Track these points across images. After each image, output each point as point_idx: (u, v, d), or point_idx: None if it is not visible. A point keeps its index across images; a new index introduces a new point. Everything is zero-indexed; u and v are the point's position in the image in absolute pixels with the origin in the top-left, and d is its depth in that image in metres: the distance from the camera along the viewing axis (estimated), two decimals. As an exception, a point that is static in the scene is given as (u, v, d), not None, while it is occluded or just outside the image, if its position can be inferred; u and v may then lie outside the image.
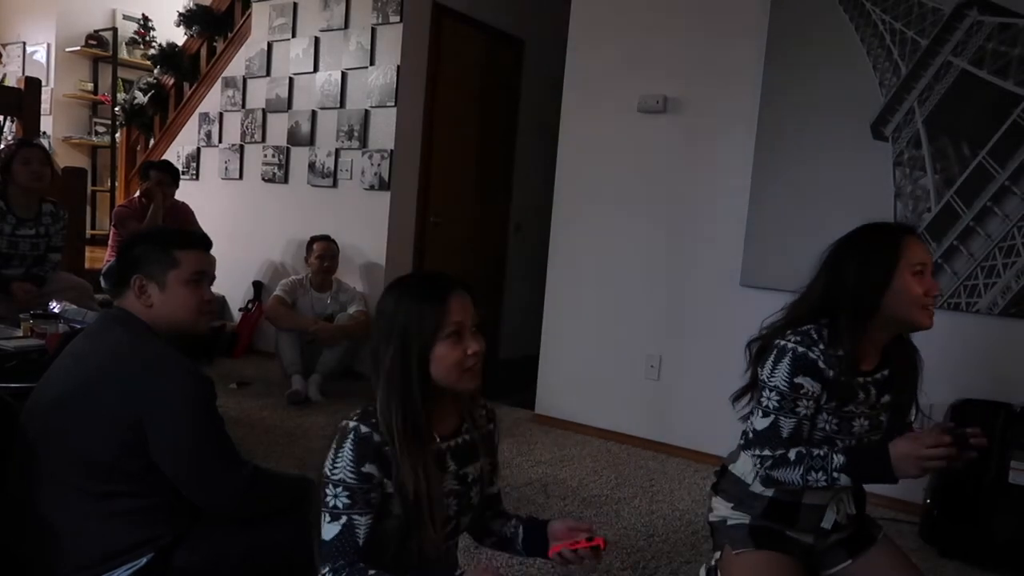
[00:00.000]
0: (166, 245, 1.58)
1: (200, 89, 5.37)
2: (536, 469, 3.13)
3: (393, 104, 4.34)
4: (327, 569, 1.21)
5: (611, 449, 3.49)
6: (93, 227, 6.30)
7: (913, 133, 2.94)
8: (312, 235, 4.28)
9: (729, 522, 1.66)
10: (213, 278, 1.68)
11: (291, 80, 4.79)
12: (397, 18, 4.32)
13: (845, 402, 1.56)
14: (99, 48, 6.68)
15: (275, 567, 1.56)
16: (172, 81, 5.59)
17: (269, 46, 4.90)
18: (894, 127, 2.98)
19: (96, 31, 6.70)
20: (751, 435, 1.59)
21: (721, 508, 1.69)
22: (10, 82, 6.09)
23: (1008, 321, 2.81)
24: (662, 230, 3.53)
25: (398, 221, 4.47)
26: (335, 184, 4.61)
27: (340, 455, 1.22)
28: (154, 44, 6.56)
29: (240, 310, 4.91)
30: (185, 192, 4.71)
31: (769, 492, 1.60)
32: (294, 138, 4.78)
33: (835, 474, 1.48)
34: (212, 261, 1.69)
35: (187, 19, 5.45)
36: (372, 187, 4.43)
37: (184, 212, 4.55)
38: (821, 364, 1.52)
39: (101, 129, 6.83)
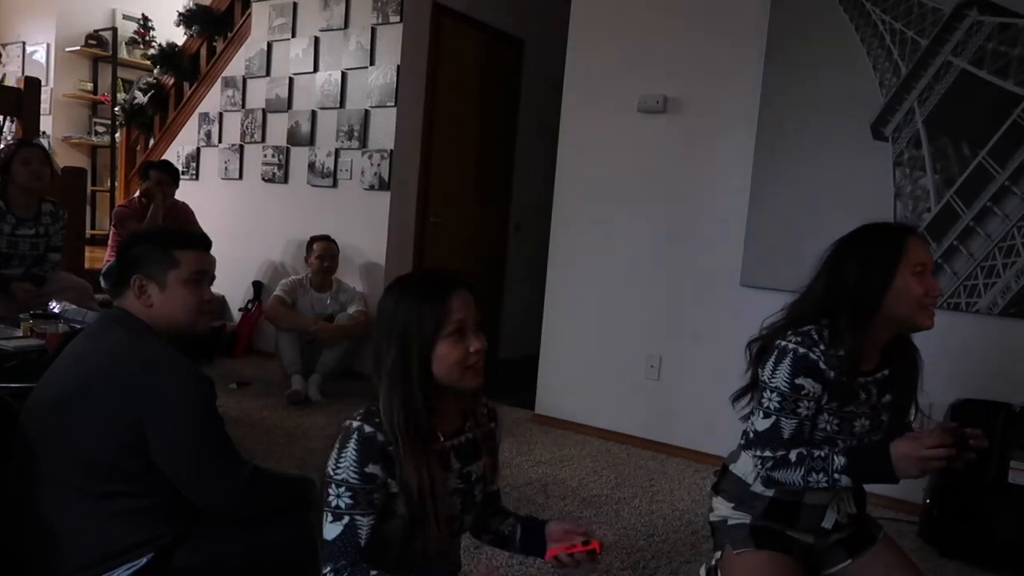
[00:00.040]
0: (166, 245, 1.58)
1: (200, 89, 5.37)
2: (536, 469, 3.13)
3: (393, 104, 4.34)
4: (328, 569, 1.21)
5: (611, 449, 3.49)
6: (93, 227, 6.30)
7: (913, 133, 2.94)
8: (312, 235, 4.28)
9: (730, 522, 1.66)
10: (213, 278, 1.68)
11: (291, 80, 4.79)
12: (397, 18, 4.32)
13: (846, 402, 1.56)
14: (99, 48, 6.68)
15: (275, 567, 1.56)
16: (172, 81, 5.59)
17: (269, 46, 4.90)
18: (894, 127, 2.98)
19: (96, 31, 6.70)
20: (752, 436, 1.58)
21: (722, 508, 1.69)
22: (10, 82, 6.09)
23: (1008, 321, 2.81)
24: (662, 230, 3.53)
25: (398, 221, 4.47)
26: (335, 184, 4.60)
27: (343, 455, 1.22)
28: (154, 44, 6.56)
29: (240, 310, 4.91)
30: (185, 192, 4.71)
31: (770, 492, 1.60)
32: (294, 138, 4.78)
33: (836, 475, 1.48)
34: (212, 261, 1.69)
35: (187, 19, 5.45)
36: (372, 187, 4.43)
37: (184, 212, 4.55)
38: (822, 365, 1.52)
39: (101, 129, 6.83)
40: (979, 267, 2.83)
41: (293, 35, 4.77)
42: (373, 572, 1.20)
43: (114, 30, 6.70)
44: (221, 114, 5.17)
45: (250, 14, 5.01)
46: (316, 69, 4.67)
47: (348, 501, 1.21)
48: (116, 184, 6.02)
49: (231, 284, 4.90)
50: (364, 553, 1.22)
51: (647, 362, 3.57)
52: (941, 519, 2.58)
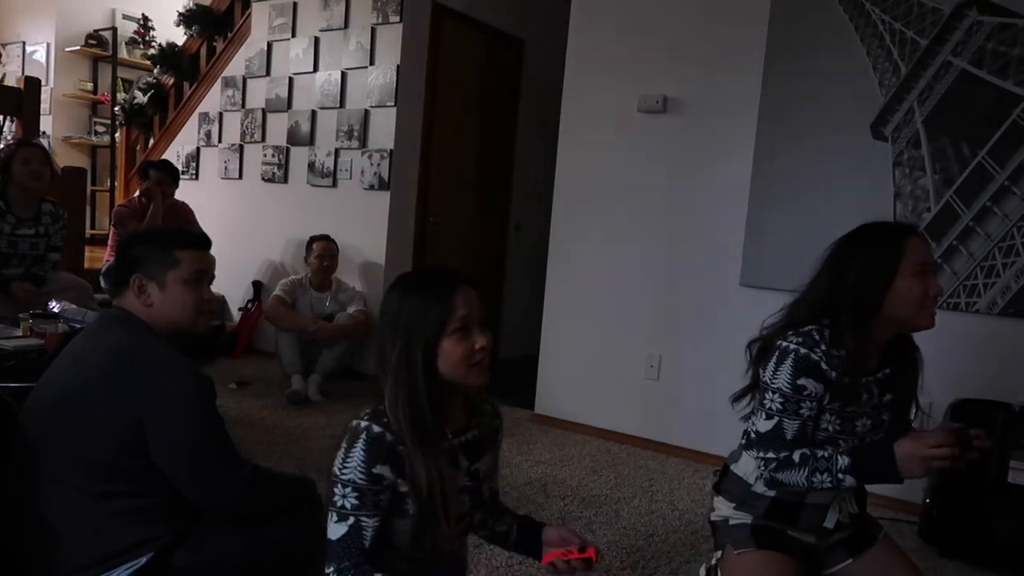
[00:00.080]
0: (166, 244, 1.58)
1: (200, 89, 5.37)
2: (536, 469, 3.13)
3: (393, 104, 4.34)
4: (332, 569, 1.21)
5: (611, 449, 3.49)
6: (93, 227, 6.30)
7: (913, 133, 2.94)
8: (312, 235, 4.28)
9: (731, 522, 1.66)
10: (212, 277, 1.68)
11: (291, 80, 4.79)
12: (397, 18, 4.32)
13: (848, 403, 1.55)
14: (99, 48, 6.68)
15: (275, 567, 1.56)
16: (172, 81, 5.59)
17: (269, 46, 4.90)
18: (894, 127, 2.98)
19: (96, 31, 6.70)
20: (754, 437, 1.58)
21: (723, 508, 1.69)
22: (10, 82, 6.09)
23: (1008, 321, 2.81)
24: (662, 230, 3.53)
25: (398, 221, 4.47)
26: (335, 184, 4.60)
27: (351, 455, 1.20)
28: (154, 44, 6.56)
29: (240, 310, 4.91)
30: (185, 192, 4.71)
31: (771, 492, 1.60)
32: (294, 138, 4.78)
33: (840, 475, 1.48)
34: (212, 260, 1.69)
35: (187, 19, 5.45)
36: (372, 187, 4.43)
37: (184, 212, 4.55)
38: (824, 365, 1.51)
39: (101, 129, 6.83)
40: (979, 267, 2.84)
41: (293, 35, 4.78)
42: (377, 575, 1.20)
43: (114, 30, 6.70)
44: (221, 114, 5.17)
45: (250, 14, 5.02)
46: (316, 69, 4.67)
47: (354, 502, 1.20)
48: (116, 184, 6.02)
49: (231, 284, 4.90)
50: (368, 555, 1.21)
51: (647, 362, 3.57)
52: (941, 519, 2.58)
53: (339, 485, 1.20)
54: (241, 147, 5.05)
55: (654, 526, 2.62)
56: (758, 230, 3.24)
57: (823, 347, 1.52)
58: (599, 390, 3.70)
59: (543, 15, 4.96)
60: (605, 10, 3.68)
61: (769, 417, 1.55)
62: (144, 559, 1.43)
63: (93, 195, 6.47)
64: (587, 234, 3.74)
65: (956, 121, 2.86)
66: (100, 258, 4.78)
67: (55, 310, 2.63)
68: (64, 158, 6.23)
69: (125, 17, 6.88)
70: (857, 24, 3.04)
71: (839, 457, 1.49)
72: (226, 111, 5.14)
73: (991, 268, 2.81)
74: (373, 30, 4.41)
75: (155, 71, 5.68)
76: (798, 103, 3.14)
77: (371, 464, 1.20)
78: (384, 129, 4.39)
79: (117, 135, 6.11)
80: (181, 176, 4.62)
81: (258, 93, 4.96)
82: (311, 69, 4.68)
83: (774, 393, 1.54)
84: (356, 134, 4.48)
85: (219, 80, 5.19)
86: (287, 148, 4.82)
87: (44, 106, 5.83)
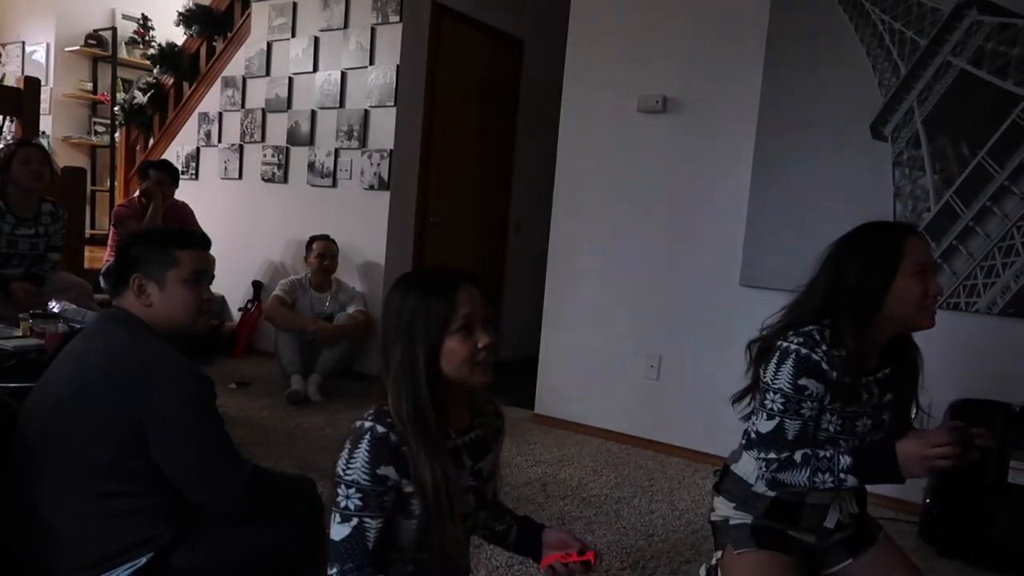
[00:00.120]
0: (165, 244, 1.58)
1: (199, 89, 5.37)
2: (536, 469, 3.13)
3: (393, 104, 4.34)
4: (335, 570, 1.20)
5: (611, 449, 3.49)
6: (92, 227, 6.29)
7: (912, 133, 2.94)
8: (311, 235, 4.28)
9: (731, 522, 1.66)
10: (212, 277, 1.68)
11: (291, 80, 4.79)
12: (397, 18, 4.32)
13: (849, 402, 1.55)
14: (98, 48, 6.68)
15: (275, 567, 1.56)
16: (171, 81, 5.59)
17: (269, 46, 4.90)
18: (893, 127, 2.98)
19: (95, 31, 6.70)
20: (755, 437, 1.58)
21: (723, 508, 1.69)
22: (9, 82, 6.09)
23: (1007, 321, 2.81)
24: (662, 230, 3.53)
25: (398, 221, 4.47)
26: (335, 184, 4.60)
27: (355, 456, 1.19)
28: (154, 44, 6.55)
29: (239, 310, 4.91)
30: (184, 192, 4.71)
31: (772, 492, 1.60)
32: (294, 138, 4.78)
33: (842, 475, 1.47)
34: (211, 260, 1.70)
35: (187, 19, 5.45)
36: (372, 187, 4.43)
37: (183, 212, 4.55)
38: (824, 366, 1.51)
39: (100, 129, 6.83)
40: (978, 267, 2.84)
41: (293, 35, 4.78)
42: None
43: (114, 30, 6.70)
44: (221, 114, 5.17)
45: (250, 14, 5.02)
46: (316, 69, 4.67)
47: (358, 503, 1.19)
48: (116, 184, 6.02)
49: (231, 284, 4.90)
50: (372, 556, 1.20)
51: (647, 362, 3.57)
52: (941, 519, 2.58)
53: (342, 486, 1.19)
54: (241, 147, 5.05)
55: (654, 526, 2.62)
56: (758, 230, 3.24)
57: (824, 347, 1.52)
58: (599, 390, 3.70)
59: (543, 15, 4.97)
60: (605, 10, 3.68)
61: (770, 417, 1.54)
62: (144, 559, 1.43)
63: (93, 195, 6.47)
64: (587, 234, 3.74)
65: (956, 121, 2.86)
66: (100, 258, 4.78)
67: (55, 310, 2.63)
68: (64, 158, 6.23)
69: (125, 17, 6.88)
70: (857, 24, 3.04)
71: (841, 457, 1.48)
72: (226, 111, 5.14)
73: (991, 268, 2.81)
74: (373, 30, 4.41)
75: (155, 71, 5.68)
76: (798, 103, 3.14)
77: (375, 465, 1.19)
78: (384, 129, 4.39)
79: (117, 135, 6.11)
80: (181, 176, 4.62)
81: (258, 93, 4.96)
82: (311, 69, 4.68)
83: (775, 393, 1.53)
84: (356, 134, 4.48)
85: (219, 80, 5.19)
86: (287, 148, 4.82)
87: (44, 106, 5.83)
